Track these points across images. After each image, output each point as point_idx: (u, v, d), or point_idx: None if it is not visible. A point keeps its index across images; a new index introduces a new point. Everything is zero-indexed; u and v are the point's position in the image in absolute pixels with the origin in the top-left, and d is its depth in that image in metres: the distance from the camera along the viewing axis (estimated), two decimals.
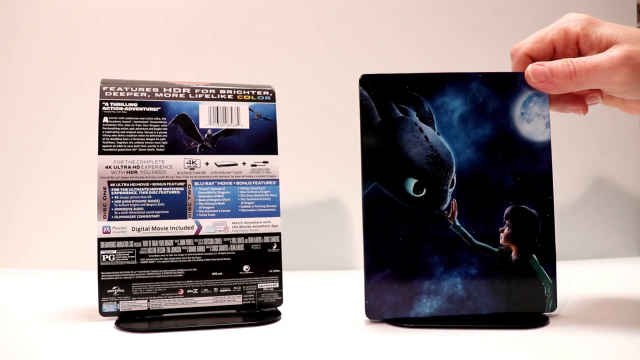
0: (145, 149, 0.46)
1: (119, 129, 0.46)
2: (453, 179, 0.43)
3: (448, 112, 0.43)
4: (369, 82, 0.43)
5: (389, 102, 0.43)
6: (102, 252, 0.45)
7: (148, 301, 0.46)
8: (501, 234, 0.43)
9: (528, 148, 0.43)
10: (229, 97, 0.49)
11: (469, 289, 0.43)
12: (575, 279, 0.64)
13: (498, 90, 0.44)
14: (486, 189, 0.43)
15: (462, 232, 0.43)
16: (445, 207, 0.43)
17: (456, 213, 0.43)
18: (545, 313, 0.44)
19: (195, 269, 0.47)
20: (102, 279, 0.45)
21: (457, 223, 0.43)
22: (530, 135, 0.44)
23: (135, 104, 0.47)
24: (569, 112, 0.45)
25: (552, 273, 0.43)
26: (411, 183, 0.43)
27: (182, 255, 0.46)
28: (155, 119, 0.47)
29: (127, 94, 0.47)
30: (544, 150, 0.44)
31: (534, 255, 0.43)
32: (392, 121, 0.43)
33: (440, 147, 0.43)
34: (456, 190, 0.43)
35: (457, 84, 0.44)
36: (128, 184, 0.46)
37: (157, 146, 0.47)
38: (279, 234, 0.49)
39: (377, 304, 0.43)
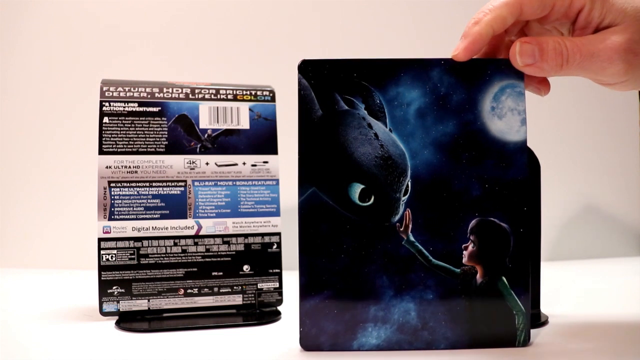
0: (145, 149, 0.46)
1: (119, 129, 0.46)
2: (407, 185, 0.36)
3: (403, 105, 0.36)
4: (309, 69, 0.36)
5: (332, 92, 0.37)
6: (102, 252, 0.45)
7: (148, 301, 0.46)
8: (464, 252, 0.36)
9: (499, 149, 0.36)
10: (229, 97, 0.49)
11: (424, 317, 0.36)
12: (570, 281, 0.64)
13: (464, 80, 0.36)
14: (447, 198, 0.36)
15: (417, 249, 0.36)
16: (397, 218, 0.36)
17: (410, 226, 0.36)
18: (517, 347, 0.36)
19: (195, 269, 0.47)
20: (102, 278, 0.45)
21: (412, 238, 0.36)
22: (502, 134, 0.36)
23: (136, 104, 0.47)
24: (528, 90, 0.38)
25: (525, 300, 0.36)
26: (357, 189, 0.36)
27: (182, 255, 0.46)
28: (155, 119, 0.47)
29: (128, 94, 0.47)
30: (518, 151, 0.36)
31: (504, 278, 0.36)
32: (335, 115, 0.37)
33: (392, 147, 0.36)
34: (411, 199, 0.36)
35: (414, 71, 0.36)
36: (128, 184, 0.46)
37: (158, 146, 0.47)
38: (279, 234, 0.49)
39: (314, 332, 0.36)
